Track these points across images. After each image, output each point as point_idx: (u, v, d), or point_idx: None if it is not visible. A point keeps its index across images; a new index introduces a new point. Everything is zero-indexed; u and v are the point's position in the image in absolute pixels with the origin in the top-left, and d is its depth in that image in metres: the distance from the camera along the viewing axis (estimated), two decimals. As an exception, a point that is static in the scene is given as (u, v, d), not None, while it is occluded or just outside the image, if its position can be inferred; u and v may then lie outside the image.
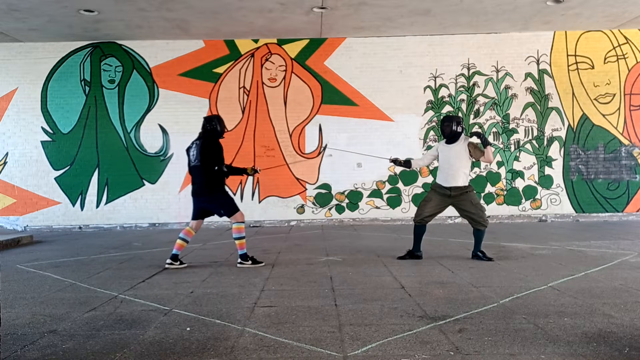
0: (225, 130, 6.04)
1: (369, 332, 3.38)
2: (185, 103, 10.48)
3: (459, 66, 10.63)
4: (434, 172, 10.31)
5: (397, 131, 10.55)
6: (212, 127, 5.84)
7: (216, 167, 5.72)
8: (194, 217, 5.96)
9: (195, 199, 5.91)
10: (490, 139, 10.55)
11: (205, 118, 5.97)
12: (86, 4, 8.37)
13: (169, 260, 5.84)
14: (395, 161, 6.14)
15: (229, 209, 5.84)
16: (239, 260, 5.86)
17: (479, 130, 10.36)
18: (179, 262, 5.89)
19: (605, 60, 10.58)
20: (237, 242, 5.84)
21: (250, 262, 5.83)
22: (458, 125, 5.91)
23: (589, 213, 10.56)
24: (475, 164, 10.41)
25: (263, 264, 5.88)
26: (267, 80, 10.60)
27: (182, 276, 5.36)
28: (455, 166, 5.86)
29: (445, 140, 6.05)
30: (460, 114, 10.53)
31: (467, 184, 5.92)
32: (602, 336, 3.21)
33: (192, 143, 5.92)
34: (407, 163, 6.20)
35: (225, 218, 5.99)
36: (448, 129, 5.92)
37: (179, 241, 5.87)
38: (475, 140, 5.98)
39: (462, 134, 5.96)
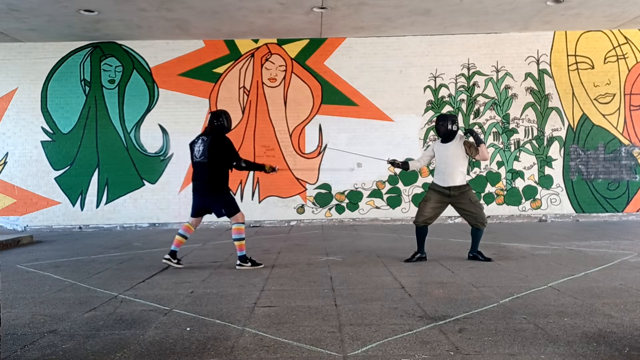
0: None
1: (369, 332, 3.38)
2: (185, 103, 10.48)
3: (459, 66, 10.63)
4: (434, 171, 10.29)
5: (397, 131, 10.55)
6: (220, 123, 5.64)
7: (234, 163, 5.62)
8: (194, 215, 5.85)
9: (196, 196, 5.78)
10: (490, 139, 10.55)
11: (212, 113, 5.74)
12: (86, 4, 8.37)
13: (167, 256, 5.74)
14: (393, 163, 6.10)
15: (231, 209, 5.71)
16: (238, 262, 5.74)
17: (473, 128, 10.35)
18: (176, 261, 5.78)
19: (605, 60, 10.58)
20: (236, 243, 5.73)
21: (249, 264, 5.73)
22: (453, 123, 5.85)
23: (589, 213, 10.56)
24: (475, 164, 10.42)
25: (262, 265, 5.79)
26: (267, 80, 10.59)
27: (182, 276, 5.36)
28: (453, 165, 5.82)
29: (440, 139, 6.01)
30: (460, 114, 10.53)
31: (465, 183, 5.90)
32: (602, 336, 3.21)
33: (198, 138, 5.75)
34: (404, 164, 6.17)
35: (225, 218, 5.94)
36: (443, 127, 5.87)
37: (177, 237, 5.78)
38: (471, 139, 5.96)
39: (458, 133, 5.93)
